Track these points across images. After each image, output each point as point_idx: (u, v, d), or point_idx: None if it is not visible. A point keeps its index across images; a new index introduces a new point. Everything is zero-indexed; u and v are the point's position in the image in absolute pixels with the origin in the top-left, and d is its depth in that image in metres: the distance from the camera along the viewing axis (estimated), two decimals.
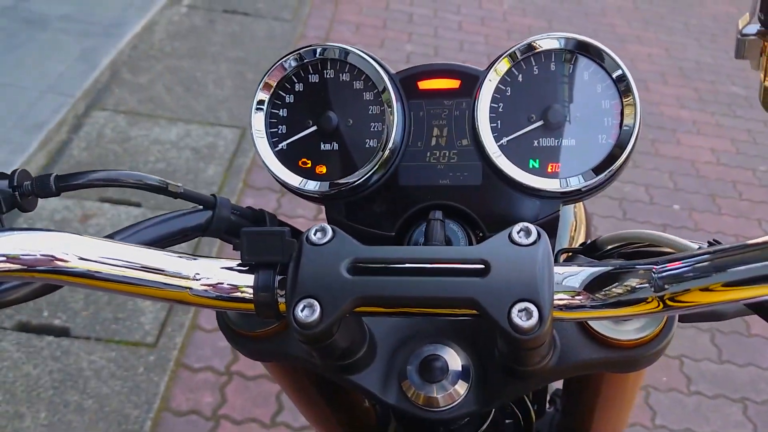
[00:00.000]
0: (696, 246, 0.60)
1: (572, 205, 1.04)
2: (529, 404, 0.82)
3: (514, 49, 0.68)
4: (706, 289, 0.46)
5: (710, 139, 4.11)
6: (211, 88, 3.59)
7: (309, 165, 0.71)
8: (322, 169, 0.71)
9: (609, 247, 0.72)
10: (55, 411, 2.04)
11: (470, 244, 0.69)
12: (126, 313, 2.36)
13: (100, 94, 3.42)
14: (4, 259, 0.50)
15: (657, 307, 0.48)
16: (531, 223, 0.51)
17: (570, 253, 0.78)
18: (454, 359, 0.64)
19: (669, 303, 0.48)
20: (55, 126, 3.06)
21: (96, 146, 3.09)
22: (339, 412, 0.88)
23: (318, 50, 0.71)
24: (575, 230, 1.05)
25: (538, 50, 0.68)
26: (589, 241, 0.77)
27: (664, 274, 0.48)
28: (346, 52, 0.70)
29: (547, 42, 0.68)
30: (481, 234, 0.70)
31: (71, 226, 2.64)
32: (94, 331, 2.29)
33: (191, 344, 2.33)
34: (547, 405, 1.00)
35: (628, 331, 0.61)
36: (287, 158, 0.71)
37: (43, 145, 2.96)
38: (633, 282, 0.49)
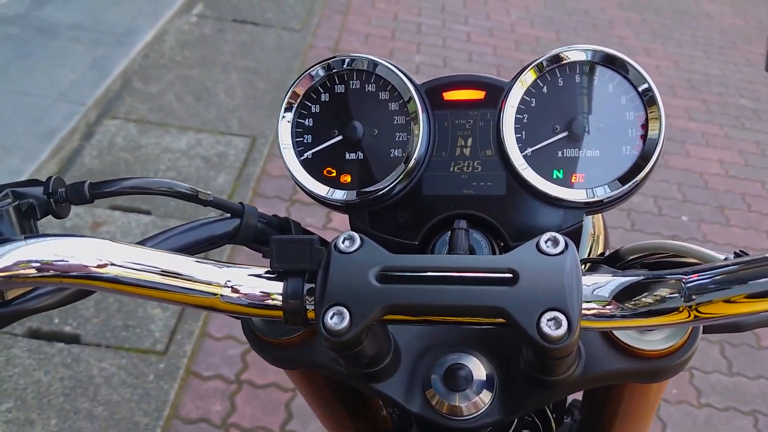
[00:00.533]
0: (722, 256, 0.60)
1: (591, 216, 1.05)
2: (550, 414, 0.82)
3: (540, 60, 0.69)
4: (738, 300, 0.47)
5: (719, 150, 4.11)
6: (222, 97, 3.61)
7: (334, 174, 0.72)
8: (346, 178, 0.71)
9: (631, 257, 0.72)
10: (65, 418, 2.04)
11: (493, 253, 0.69)
12: (136, 321, 2.36)
13: (112, 102, 3.44)
14: (38, 264, 0.50)
15: (688, 317, 0.48)
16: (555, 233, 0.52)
17: (592, 263, 0.78)
18: (478, 368, 0.64)
19: (700, 313, 0.48)
20: (66, 134, 3.08)
21: (107, 154, 3.11)
22: (357, 419, 0.88)
23: (346, 60, 0.72)
24: (594, 240, 1.05)
25: (564, 62, 0.68)
26: (608, 251, 0.77)
27: (694, 283, 0.48)
28: (375, 64, 0.71)
29: (574, 54, 0.68)
30: (503, 244, 0.71)
31: (82, 233, 2.65)
32: (104, 338, 2.29)
33: (201, 352, 2.33)
34: (565, 415, 0.99)
35: (654, 341, 0.61)
36: (312, 167, 0.72)
37: (54, 153, 2.98)
38: (663, 292, 0.49)
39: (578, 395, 0.90)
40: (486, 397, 0.63)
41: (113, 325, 2.34)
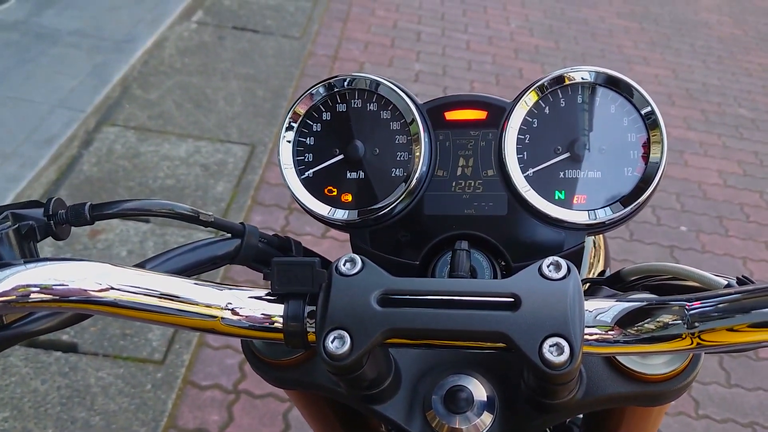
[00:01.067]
0: (724, 281, 0.59)
1: None
2: None
3: (543, 81, 0.69)
4: (741, 329, 0.46)
5: (717, 160, 4.11)
6: (221, 104, 3.61)
7: (335, 193, 0.72)
8: (347, 198, 0.71)
9: (633, 278, 0.72)
10: (62, 428, 2.03)
11: (495, 274, 0.69)
12: (134, 330, 2.36)
13: (111, 109, 3.44)
14: (37, 290, 0.50)
15: (690, 344, 0.48)
16: (556, 254, 0.51)
17: (593, 284, 0.77)
18: (479, 390, 0.64)
19: (702, 340, 0.48)
20: (65, 141, 3.07)
21: (106, 162, 3.11)
22: None
23: (348, 80, 0.71)
24: (594, 258, 1.05)
25: (566, 83, 0.68)
26: (608, 271, 0.77)
27: (697, 311, 0.48)
28: (377, 84, 0.71)
29: (576, 75, 0.68)
30: (504, 263, 0.71)
31: (80, 242, 2.64)
32: (102, 347, 2.29)
33: (199, 361, 2.33)
34: None
35: (656, 365, 0.61)
36: (313, 186, 0.72)
37: (53, 160, 2.97)
38: (666, 318, 0.49)
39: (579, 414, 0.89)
40: (487, 419, 0.63)
41: (111, 334, 2.33)
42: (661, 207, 3.58)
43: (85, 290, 0.51)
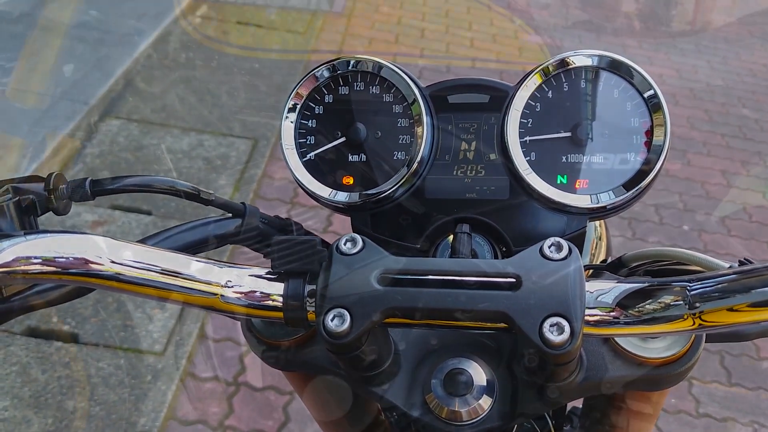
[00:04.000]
0: (726, 264, 0.59)
1: (594, 222, 1.04)
2: (550, 421, 0.82)
3: (546, 64, 0.69)
4: (741, 308, 0.46)
5: (720, 160, 4.10)
6: (224, 98, 3.61)
7: (336, 176, 0.71)
8: (349, 180, 0.71)
9: (635, 264, 0.71)
10: (62, 417, 2.04)
11: (496, 258, 0.69)
12: (135, 321, 2.36)
13: (114, 102, 3.44)
14: (39, 261, 0.50)
15: (692, 325, 0.48)
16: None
17: (595, 270, 0.77)
18: (478, 373, 0.64)
19: (703, 321, 0.47)
20: (68, 133, 3.07)
21: (109, 154, 3.11)
22: (355, 423, 0.87)
23: (351, 62, 0.71)
24: (596, 247, 1.05)
25: (569, 66, 0.68)
26: (610, 258, 0.76)
27: (698, 291, 0.48)
28: (380, 66, 0.70)
29: (580, 59, 0.68)
30: (505, 249, 0.70)
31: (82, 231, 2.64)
32: (102, 337, 2.29)
33: (199, 353, 2.33)
34: (564, 422, 0.99)
35: (656, 348, 0.61)
36: (315, 168, 0.72)
37: (56, 152, 2.98)
38: (667, 299, 0.49)
39: (578, 402, 0.89)
40: (486, 402, 0.62)
41: (112, 325, 2.33)
42: (664, 206, 3.57)
43: (86, 263, 0.51)
